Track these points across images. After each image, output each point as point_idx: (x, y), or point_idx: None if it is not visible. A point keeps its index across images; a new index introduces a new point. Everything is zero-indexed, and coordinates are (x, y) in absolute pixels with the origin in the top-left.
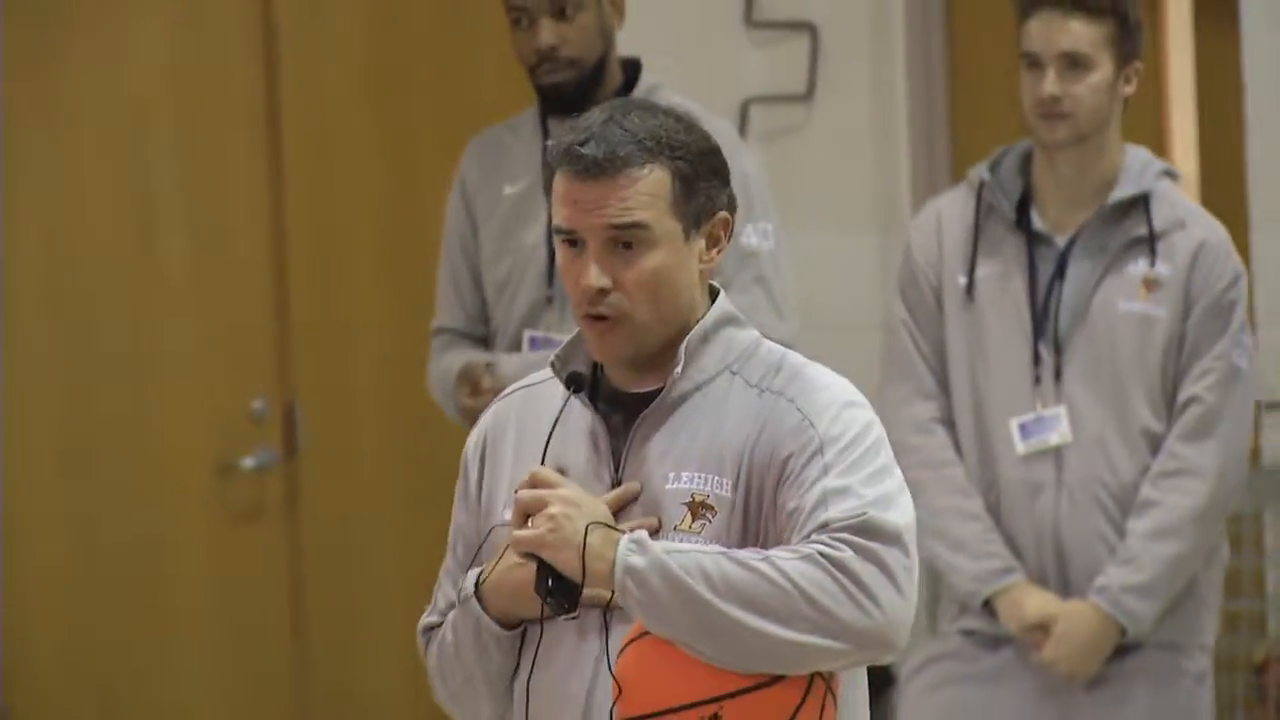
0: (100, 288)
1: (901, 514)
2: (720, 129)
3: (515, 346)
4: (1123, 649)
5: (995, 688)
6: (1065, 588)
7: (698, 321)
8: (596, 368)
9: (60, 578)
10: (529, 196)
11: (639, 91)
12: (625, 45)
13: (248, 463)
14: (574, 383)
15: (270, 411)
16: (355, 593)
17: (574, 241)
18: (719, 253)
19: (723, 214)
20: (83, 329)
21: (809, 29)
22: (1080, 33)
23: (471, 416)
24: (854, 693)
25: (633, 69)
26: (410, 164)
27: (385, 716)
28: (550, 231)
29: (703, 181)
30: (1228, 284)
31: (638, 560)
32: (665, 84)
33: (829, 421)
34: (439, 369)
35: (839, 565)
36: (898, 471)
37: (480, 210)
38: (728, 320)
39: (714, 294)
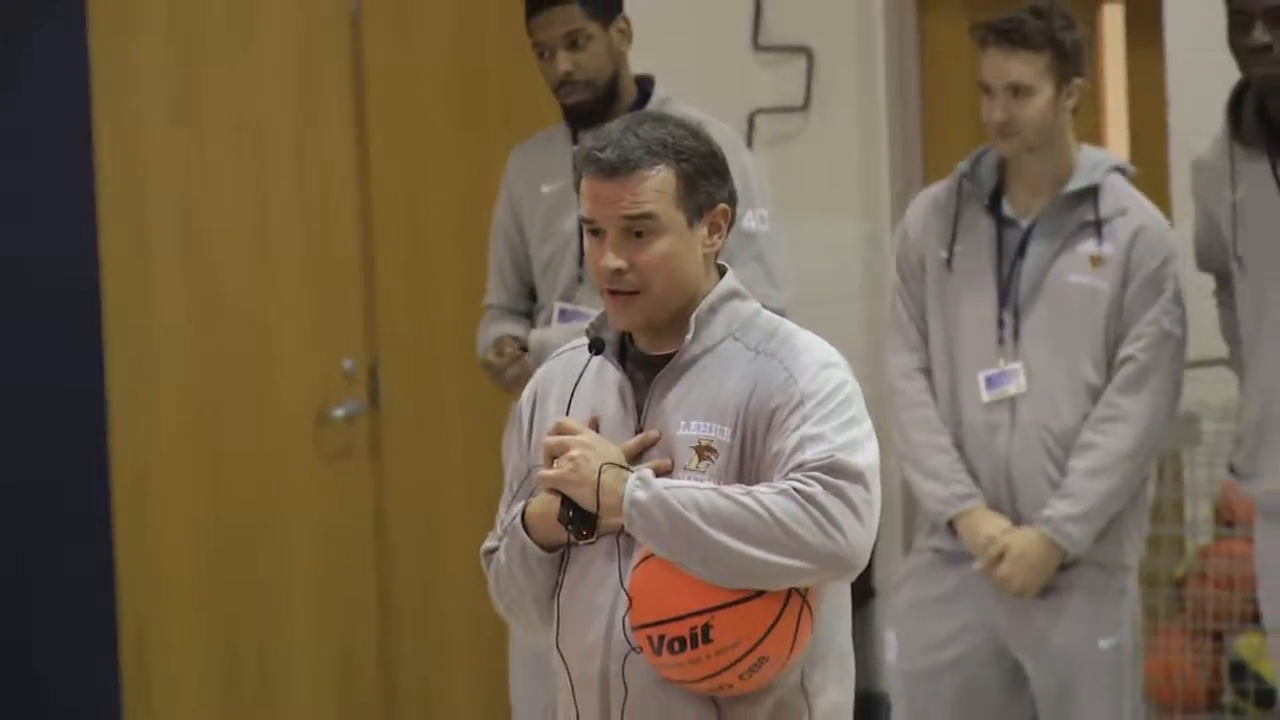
0: (223, 265)
1: (865, 457)
2: (723, 131)
3: (553, 317)
4: (1062, 565)
5: (958, 597)
6: (1015, 514)
7: (705, 295)
8: (625, 336)
9: (187, 507)
10: (563, 193)
11: (652, 104)
12: (656, 65)
13: (339, 412)
14: (595, 347)
15: (358, 370)
16: (429, 522)
17: (596, 230)
18: (720, 238)
19: (722, 206)
20: (209, 300)
21: (806, 52)
22: (1022, 68)
23: (492, 373)
24: (834, 605)
25: (647, 84)
26: (480, 158)
27: (457, 626)
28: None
29: (704, 180)
30: (1161, 262)
31: (642, 494)
32: (676, 97)
33: (809, 379)
34: (483, 337)
35: (809, 498)
36: (867, 422)
37: (524, 207)
38: (731, 294)
39: (722, 272)
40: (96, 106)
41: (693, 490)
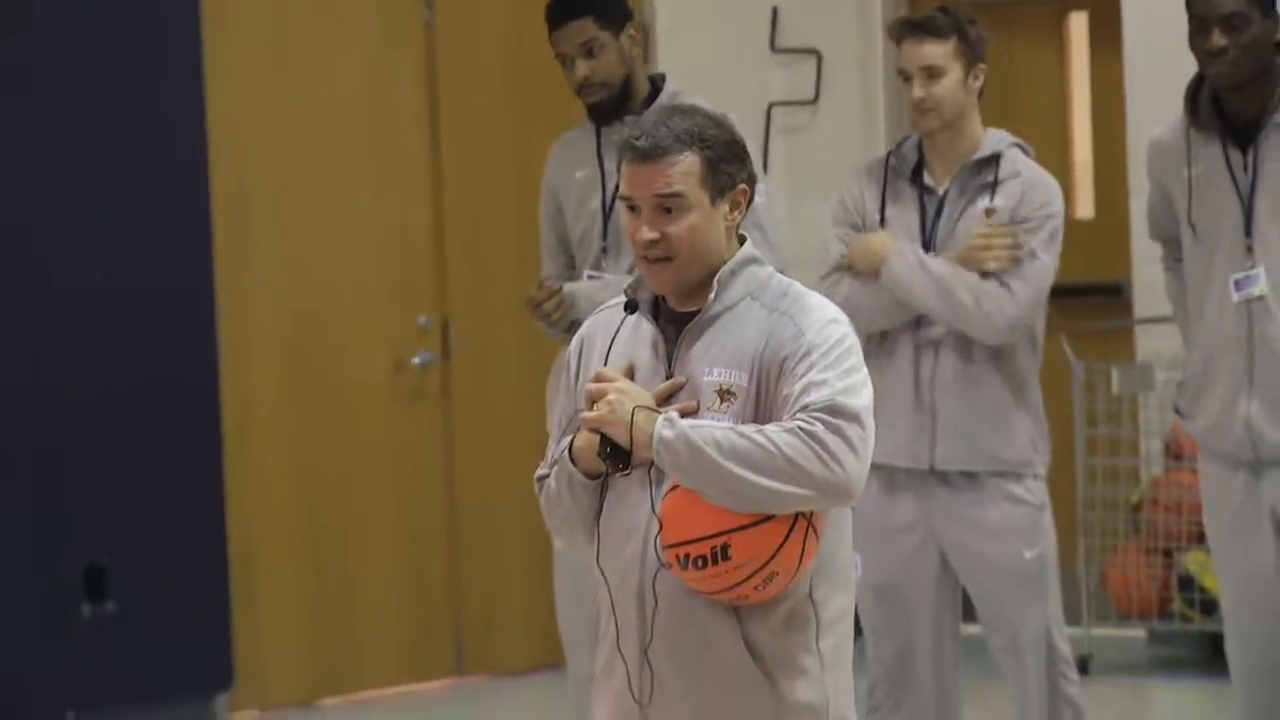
0: (314, 234)
1: (861, 400)
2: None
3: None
4: (971, 476)
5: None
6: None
7: (727, 261)
8: (658, 295)
9: (283, 443)
10: (590, 178)
11: (663, 98)
12: (689, 64)
13: (415, 361)
14: (630, 307)
15: (432, 325)
16: (491, 456)
17: (633, 206)
18: (739, 214)
19: (742, 186)
20: (301, 264)
21: (815, 54)
22: (933, 50)
23: (532, 307)
24: (837, 526)
25: (659, 81)
26: (532, 144)
27: (514, 546)
28: (604, 199)
29: (725, 164)
30: (1039, 208)
31: (668, 433)
32: (689, 91)
33: (815, 333)
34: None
35: (812, 436)
36: (863, 370)
37: (561, 190)
38: (750, 260)
39: (741, 241)
40: (209, 96)
41: (712, 429)
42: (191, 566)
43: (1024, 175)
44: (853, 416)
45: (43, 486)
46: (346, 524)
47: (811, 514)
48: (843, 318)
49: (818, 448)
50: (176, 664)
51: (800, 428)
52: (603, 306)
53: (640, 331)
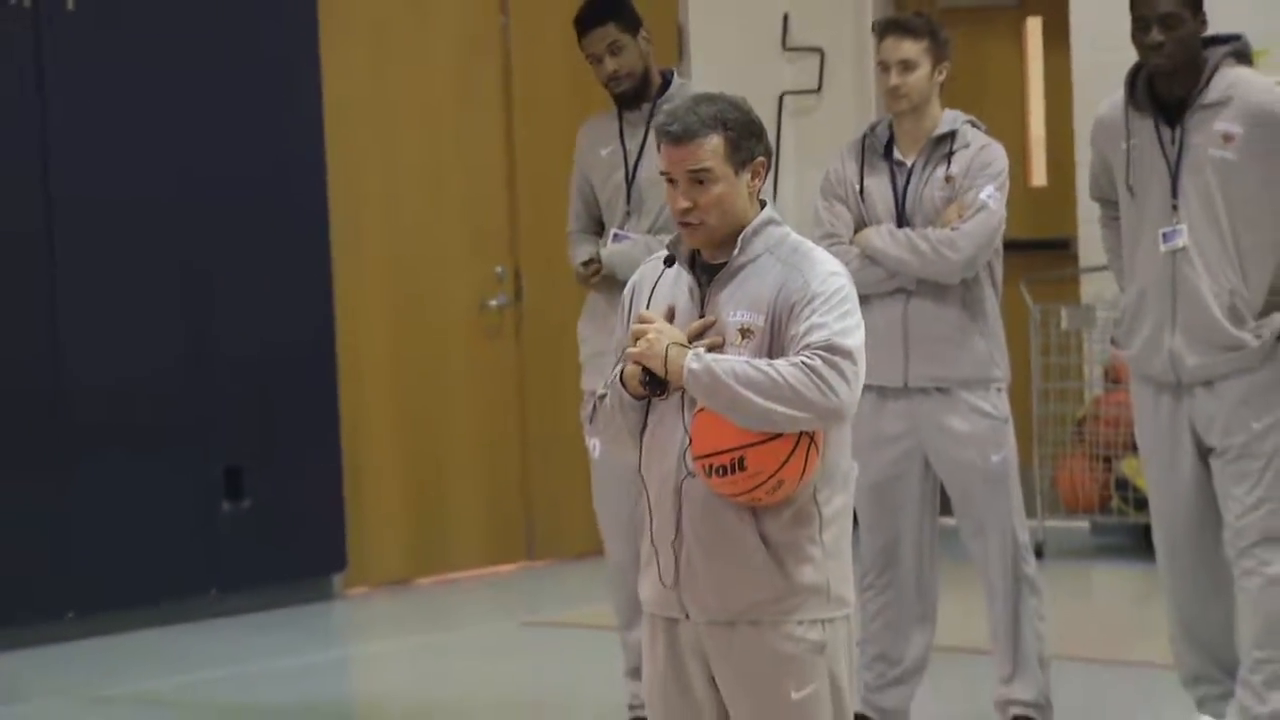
0: (411, 201)
1: (855, 340)
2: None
3: (608, 240)
4: (945, 391)
5: (895, 427)
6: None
7: (750, 222)
8: (695, 251)
9: (386, 371)
10: (614, 155)
11: (673, 89)
12: (714, 59)
13: (493, 303)
14: (668, 261)
15: (506, 273)
16: (554, 379)
17: (671, 180)
18: (759, 181)
19: (759, 159)
20: (401, 227)
21: (819, 52)
22: (908, 47)
23: (581, 281)
24: (837, 441)
25: (669, 74)
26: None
27: (574, 457)
28: (627, 172)
29: (744, 141)
30: (986, 167)
31: (695, 365)
32: (692, 82)
33: (819, 283)
34: (574, 252)
35: (812, 369)
36: (858, 314)
37: (588, 165)
38: (768, 221)
39: (762, 205)
40: (325, 88)
41: (732, 362)
42: (312, 470)
43: (974, 145)
44: (846, 353)
45: (192, 403)
46: (437, 435)
47: (813, 432)
48: (843, 270)
49: (817, 379)
50: (300, 550)
51: (803, 362)
52: (648, 259)
53: (680, 280)
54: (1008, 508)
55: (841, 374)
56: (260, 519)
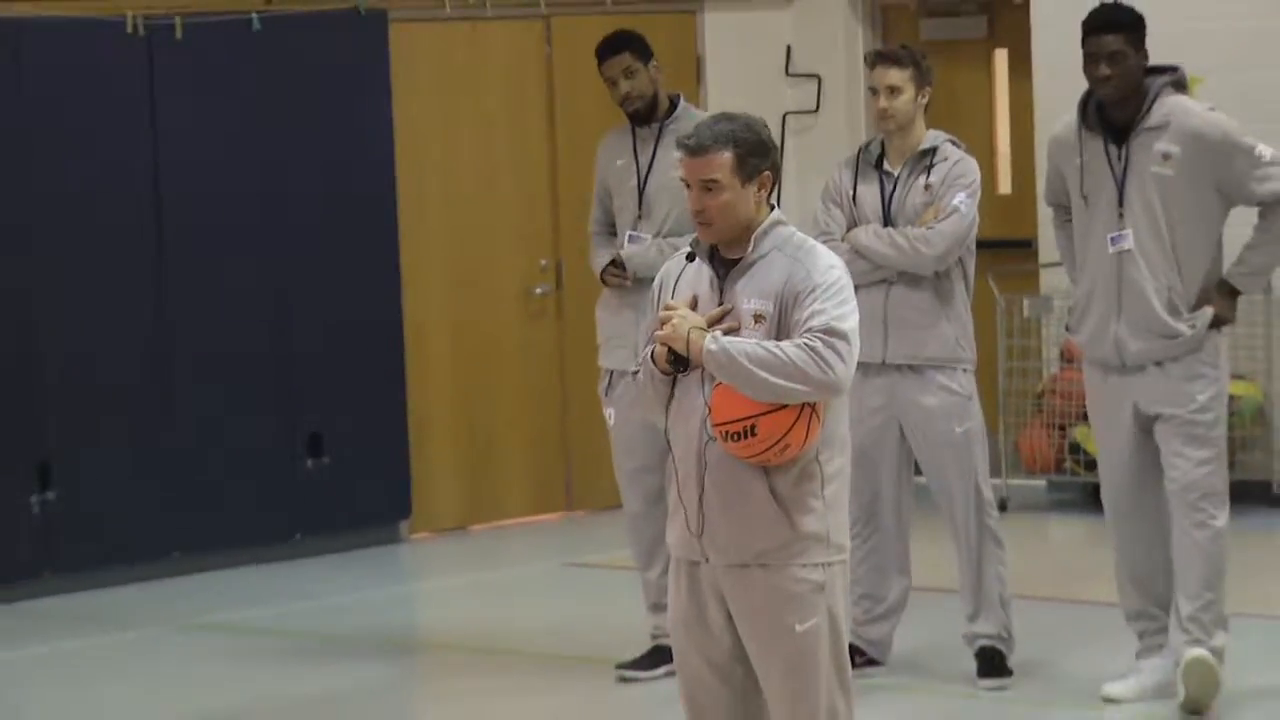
0: (468, 203)
1: (850, 324)
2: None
3: (623, 240)
4: (916, 369)
5: (878, 399)
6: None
7: (760, 223)
8: (715, 247)
9: (446, 346)
10: (627, 166)
11: (679, 111)
12: (726, 84)
13: (538, 290)
14: (689, 257)
15: (549, 265)
16: (588, 354)
17: (689, 185)
18: (765, 191)
19: (765, 173)
20: (459, 225)
21: (817, 78)
22: (895, 75)
23: (614, 280)
24: (836, 411)
25: (676, 98)
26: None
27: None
28: (638, 181)
29: (751, 157)
30: (959, 178)
31: (713, 346)
32: (693, 106)
33: (820, 275)
34: (595, 254)
35: (813, 349)
36: (853, 301)
37: (606, 173)
38: (776, 223)
39: (772, 208)
40: (395, 107)
41: (744, 343)
42: (382, 431)
43: (951, 159)
44: (842, 335)
45: (280, 377)
46: (490, 403)
47: (815, 403)
48: (840, 264)
49: (817, 358)
50: (371, 500)
51: (805, 344)
52: (674, 254)
53: (701, 273)
54: (972, 470)
55: (838, 353)
56: (337, 474)
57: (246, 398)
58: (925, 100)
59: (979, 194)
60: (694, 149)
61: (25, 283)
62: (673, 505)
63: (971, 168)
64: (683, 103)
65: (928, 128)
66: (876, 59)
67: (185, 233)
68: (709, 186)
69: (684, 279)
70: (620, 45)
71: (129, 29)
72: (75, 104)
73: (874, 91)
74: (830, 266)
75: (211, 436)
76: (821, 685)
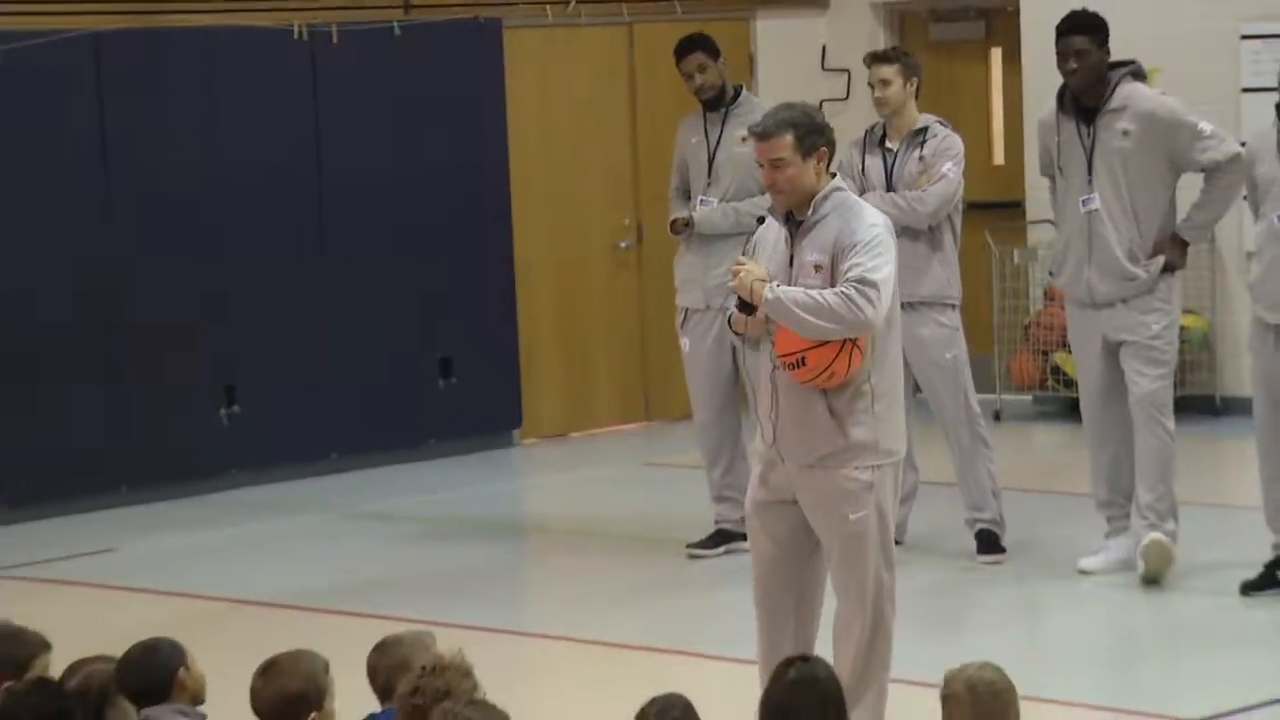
0: (565, 176)
1: (882, 274)
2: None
3: (696, 202)
4: (913, 306)
5: None
6: None
7: (820, 190)
8: (789, 212)
9: (550, 289)
10: (699, 143)
11: (741, 99)
12: (775, 79)
13: (622, 244)
14: (760, 220)
15: (632, 224)
16: (663, 298)
17: (761, 164)
18: (823, 163)
19: (822, 149)
20: (558, 195)
21: (847, 71)
22: (885, 70)
23: (673, 233)
24: (887, 342)
25: (739, 87)
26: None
27: (675, 346)
28: (708, 155)
29: (809, 136)
30: (946, 150)
31: (770, 295)
32: (754, 95)
33: (862, 232)
34: (673, 209)
35: (847, 295)
36: (889, 253)
37: (683, 149)
38: (834, 190)
39: (833, 176)
40: (509, 100)
41: (794, 291)
42: (499, 357)
43: (939, 135)
44: (873, 284)
45: (419, 315)
46: (585, 336)
47: (856, 339)
48: (881, 221)
49: (849, 303)
50: (490, 413)
51: (842, 291)
52: (769, 218)
53: (780, 232)
54: (961, 388)
55: (868, 299)
56: (463, 391)
57: (393, 332)
58: (913, 88)
59: (963, 163)
60: (762, 135)
61: (217, 241)
62: (755, 422)
63: (956, 142)
64: (744, 92)
65: (921, 111)
66: (871, 59)
67: (343, 199)
68: (776, 164)
69: (766, 236)
70: (695, 45)
71: (296, 35)
72: (253, 98)
73: (871, 84)
74: (872, 225)
75: (365, 363)
76: (870, 561)
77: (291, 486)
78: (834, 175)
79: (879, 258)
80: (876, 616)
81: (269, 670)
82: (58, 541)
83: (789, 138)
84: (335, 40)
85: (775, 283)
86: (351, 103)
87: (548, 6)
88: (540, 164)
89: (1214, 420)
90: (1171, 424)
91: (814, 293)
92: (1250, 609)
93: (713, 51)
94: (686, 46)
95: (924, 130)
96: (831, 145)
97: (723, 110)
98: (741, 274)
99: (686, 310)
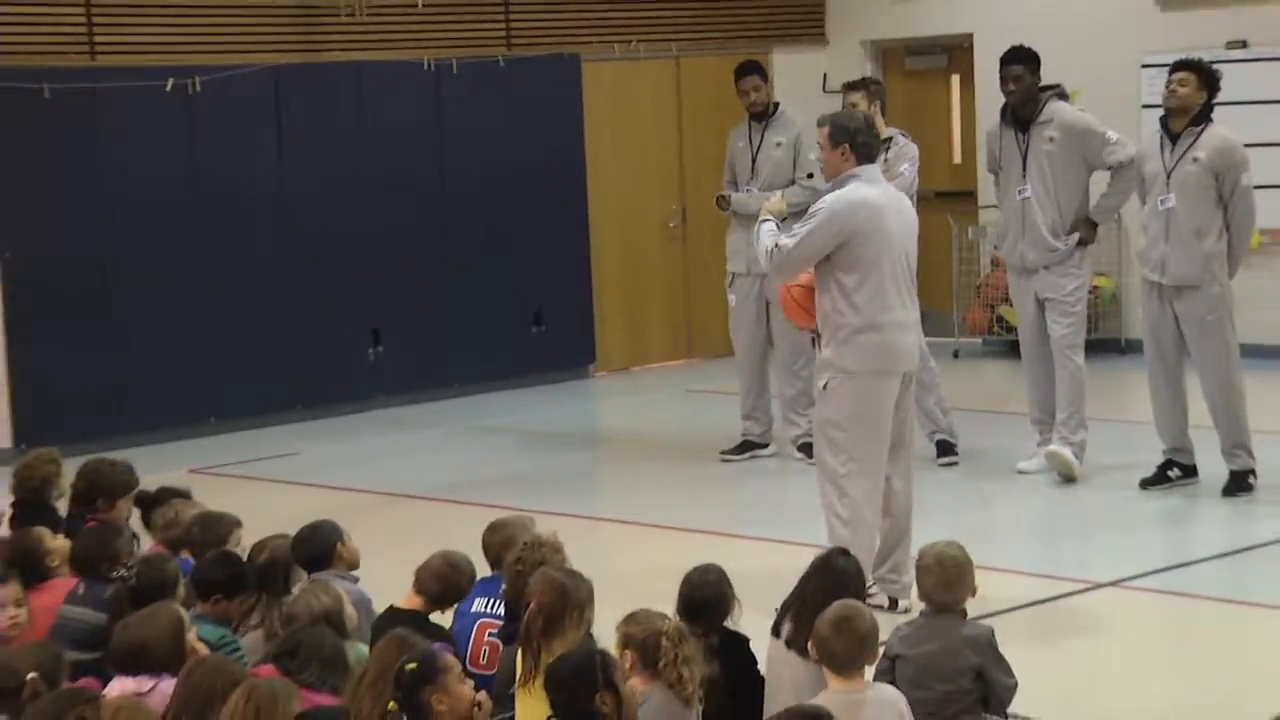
0: (628, 171)
1: (792, 243)
2: (804, 123)
3: (741, 190)
4: None
5: None
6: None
7: (843, 172)
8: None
9: (616, 257)
10: (745, 147)
11: (778, 113)
12: (790, 99)
13: (671, 224)
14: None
15: (678, 208)
16: (703, 265)
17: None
18: (845, 156)
19: (844, 144)
20: (622, 186)
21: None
22: (855, 95)
23: (718, 206)
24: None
25: (777, 105)
26: (724, 128)
27: (717, 293)
28: (752, 156)
29: (836, 134)
30: (905, 157)
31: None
32: (788, 108)
33: (816, 206)
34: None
35: (767, 248)
36: (819, 228)
37: (733, 150)
38: (850, 176)
39: (850, 165)
40: (585, 112)
41: (773, 234)
42: (577, 310)
43: (901, 144)
44: (781, 248)
45: (517, 278)
46: (641, 292)
47: (796, 298)
48: (830, 201)
49: (765, 253)
50: (571, 352)
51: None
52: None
53: None
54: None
55: (771, 256)
56: (551, 336)
57: (497, 292)
58: (878, 108)
59: (918, 163)
60: (818, 124)
61: (368, 225)
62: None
63: (912, 150)
64: (780, 108)
65: (890, 125)
66: (845, 87)
67: (460, 193)
68: (821, 146)
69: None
70: (753, 69)
71: (425, 67)
72: (393, 115)
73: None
74: (822, 204)
75: (478, 315)
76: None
77: (423, 408)
78: (851, 164)
79: (804, 228)
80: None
81: (496, 527)
82: (249, 448)
83: (826, 130)
84: (455, 71)
85: (775, 222)
86: (467, 118)
87: (615, 45)
88: (609, 164)
89: (1120, 357)
90: (1081, 359)
91: (771, 236)
92: (1146, 500)
93: (764, 75)
94: (747, 69)
95: (889, 140)
96: (855, 145)
97: (764, 122)
98: (773, 201)
99: (734, 275)
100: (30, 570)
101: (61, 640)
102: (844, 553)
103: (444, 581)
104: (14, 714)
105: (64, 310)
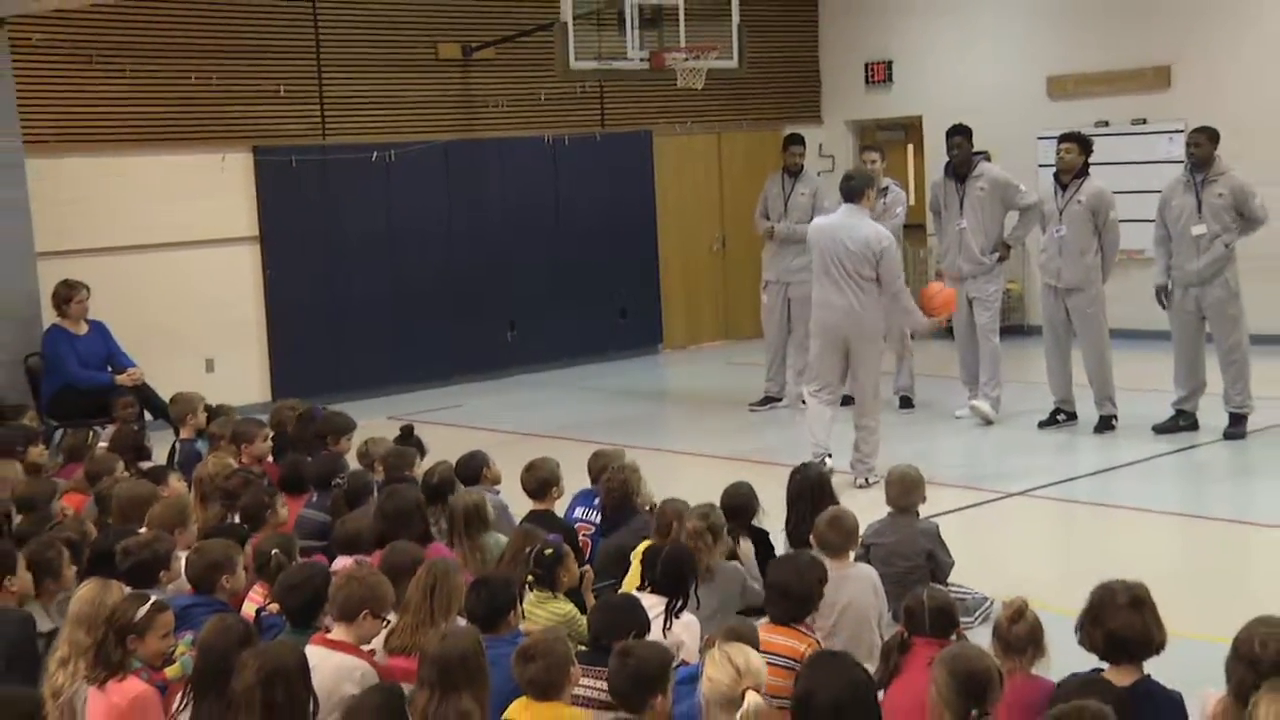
0: (684, 212)
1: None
2: (821, 178)
3: (777, 222)
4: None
5: None
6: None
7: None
8: None
9: (677, 274)
10: (778, 194)
11: (804, 171)
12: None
13: (714, 247)
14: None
15: (720, 236)
16: (739, 278)
17: None
18: (867, 201)
19: (866, 190)
20: (682, 216)
21: (832, 157)
22: (871, 154)
23: (763, 234)
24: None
25: (804, 165)
26: (759, 178)
27: (751, 296)
28: (784, 197)
29: (859, 186)
30: (898, 202)
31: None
32: (809, 168)
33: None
34: (759, 224)
35: None
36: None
37: (769, 194)
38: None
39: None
40: (656, 174)
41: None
42: (650, 307)
43: (895, 192)
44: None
45: (611, 286)
46: (694, 295)
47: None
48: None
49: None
50: (646, 335)
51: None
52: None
53: None
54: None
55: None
56: (632, 326)
57: (596, 295)
58: (883, 164)
59: (904, 206)
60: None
61: (506, 251)
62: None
63: (901, 195)
64: (806, 167)
65: (885, 175)
66: (862, 148)
67: (570, 229)
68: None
69: None
70: (799, 140)
71: (545, 142)
72: (524, 176)
73: (864, 161)
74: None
75: (583, 311)
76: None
77: (544, 375)
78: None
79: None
80: None
81: (597, 455)
82: (429, 402)
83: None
84: (566, 143)
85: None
86: (574, 176)
87: (675, 124)
88: (672, 204)
89: (1025, 337)
90: (997, 339)
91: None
92: (1042, 435)
93: (802, 143)
94: (794, 139)
95: (886, 189)
96: (873, 193)
97: (795, 177)
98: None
99: (767, 281)
100: (293, 486)
101: (301, 533)
102: (805, 465)
103: (533, 481)
104: (269, 579)
105: (304, 309)
